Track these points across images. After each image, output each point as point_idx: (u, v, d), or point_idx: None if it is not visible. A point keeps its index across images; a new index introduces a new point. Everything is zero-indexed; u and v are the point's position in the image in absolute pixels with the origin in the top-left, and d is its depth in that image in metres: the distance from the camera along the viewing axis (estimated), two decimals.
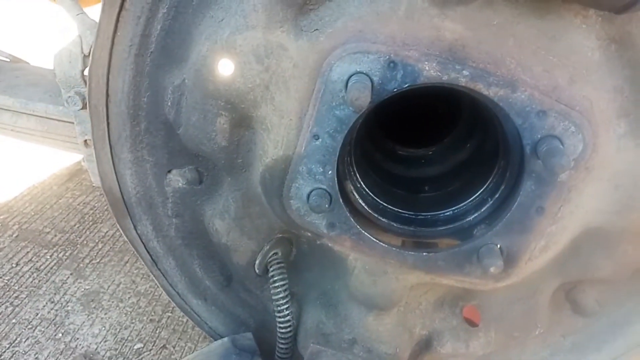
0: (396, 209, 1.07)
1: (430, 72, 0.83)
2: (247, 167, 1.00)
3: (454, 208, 1.05)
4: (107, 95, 0.94)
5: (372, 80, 0.84)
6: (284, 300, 1.03)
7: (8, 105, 1.40)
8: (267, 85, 0.89)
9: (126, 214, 1.07)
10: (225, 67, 0.87)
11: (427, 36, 0.83)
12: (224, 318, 1.20)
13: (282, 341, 1.08)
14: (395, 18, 0.83)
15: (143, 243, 1.11)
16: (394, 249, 0.97)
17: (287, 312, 1.03)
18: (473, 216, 1.01)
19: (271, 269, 1.04)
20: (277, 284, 1.03)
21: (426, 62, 0.82)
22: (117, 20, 0.89)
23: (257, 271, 1.07)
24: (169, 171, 1.03)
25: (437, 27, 0.82)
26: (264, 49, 0.86)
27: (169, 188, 1.05)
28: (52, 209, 2.69)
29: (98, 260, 2.41)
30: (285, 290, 1.04)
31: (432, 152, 1.26)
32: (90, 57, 0.90)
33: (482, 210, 1.00)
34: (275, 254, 1.05)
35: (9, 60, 1.68)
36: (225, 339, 1.08)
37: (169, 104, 0.94)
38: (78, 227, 2.56)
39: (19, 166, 2.92)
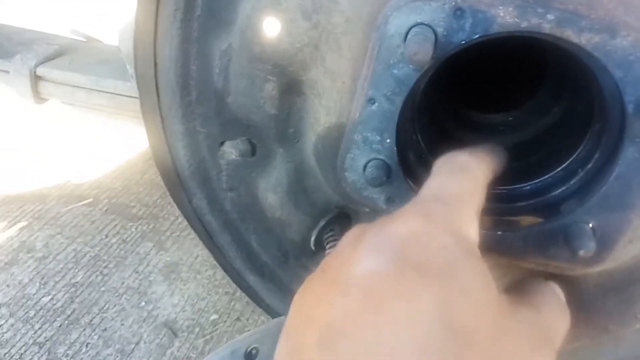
0: None
1: (505, 18, 0.69)
2: (299, 138, 0.93)
3: (536, 181, 0.91)
4: (155, 64, 0.91)
5: (435, 32, 0.72)
6: None
7: (82, 83, 1.46)
8: (317, 44, 0.80)
9: (180, 187, 1.06)
10: (270, 27, 0.80)
11: None
12: (282, 295, 1.16)
13: None
14: None
15: (198, 217, 1.09)
16: None
17: None
18: (560, 190, 0.86)
19: (328, 246, 0.97)
20: None
21: (500, 7, 0.69)
22: None
23: (312, 248, 1.01)
24: (222, 143, 0.99)
25: None
26: (311, 3, 0.77)
27: (223, 160, 1.01)
28: (137, 184, 2.85)
29: (178, 234, 2.52)
30: None
31: (512, 117, 1.10)
32: (135, 25, 0.87)
33: (571, 183, 0.85)
34: (332, 230, 0.98)
35: (84, 40, 1.75)
36: (282, 317, 1.03)
37: (217, 70, 0.89)
38: (160, 201, 2.69)
39: (108, 144, 3.11)
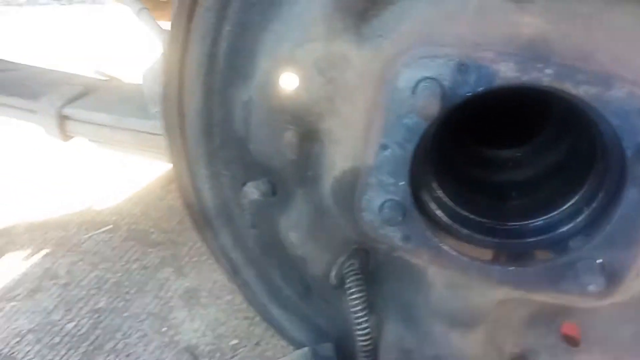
0: (479, 219, 0.99)
1: (507, 72, 0.75)
2: (317, 180, 0.98)
3: (545, 217, 0.95)
4: (181, 115, 0.98)
5: (442, 86, 0.77)
6: (363, 313, 1.01)
7: (106, 121, 1.53)
8: (332, 97, 0.86)
9: (206, 226, 1.12)
10: (288, 82, 0.86)
11: (502, 33, 0.75)
12: (305, 328, 1.21)
13: (363, 354, 1.05)
14: (465, 17, 0.76)
15: (224, 254, 1.15)
16: (477, 262, 0.91)
17: (366, 324, 1.01)
18: (567, 227, 0.90)
19: (348, 280, 1.02)
20: (354, 296, 1.01)
21: (502, 62, 0.74)
22: (185, 42, 0.91)
23: (333, 282, 1.06)
24: (244, 184, 1.05)
25: (514, 22, 0.74)
26: (326, 60, 0.83)
27: (245, 200, 1.07)
28: (156, 210, 2.90)
29: (196, 259, 2.55)
30: (363, 302, 1.01)
31: (520, 153, 1.15)
32: (161, 81, 0.94)
33: (578, 220, 0.89)
34: (352, 264, 1.03)
35: (106, 79, 1.83)
36: (306, 348, 1.08)
37: (239, 119, 0.96)
38: (178, 227, 2.73)
39: (127, 171, 3.18)
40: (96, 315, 2.25)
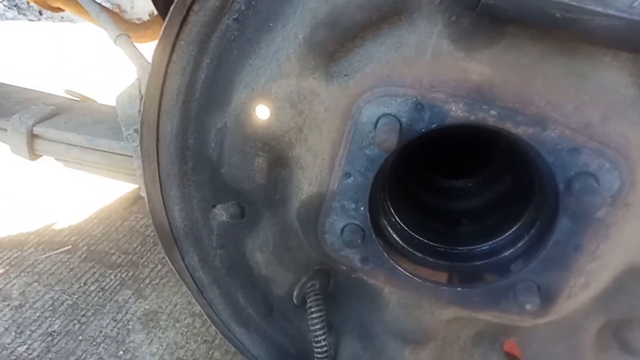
0: (432, 243, 1.07)
1: (457, 112, 0.85)
2: (284, 203, 1.05)
3: (490, 242, 1.04)
4: (157, 138, 1.03)
5: (400, 122, 0.87)
6: (321, 331, 1.06)
7: (76, 141, 1.55)
8: (301, 127, 0.94)
9: (174, 246, 1.16)
10: (261, 112, 0.93)
11: (453, 78, 0.85)
12: (266, 346, 1.25)
13: None
14: (422, 62, 0.86)
15: (190, 273, 1.19)
16: (428, 283, 0.99)
17: (325, 342, 1.06)
18: (509, 251, 1.00)
19: (309, 299, 1.07)
20: (314, 315, 1.06)
21: (453, 103, 0.84)
22: (166, 72, 0.98)
23: (295, 302, 1.11)
24: (214, 206, 1.10)
25: (464, 69, 0.84)
26: (297, 94, 0.91)
27: (214, 221, 1.12)
28: (117, 231, 2.87)
29: (157, 281, 2.53)
30: (322, 321, 1.07)
31: (472, 184, 1.26)
32: (142, 106, 0.99)
33: (518, 246, 0.99)
34: (313, 285, 1.09)
35: (79, 99, 1.85)
36: None
37: (213, 145, 1.02)
38: (140, 248, 2.71)
39: (89, 191, 3.14)
40: (49, 339, 2.20)
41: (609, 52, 0.80)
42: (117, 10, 2.62)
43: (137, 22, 2.58)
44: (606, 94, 0.82)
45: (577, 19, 0.67)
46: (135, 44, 1.45)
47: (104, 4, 2.58)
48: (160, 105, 1.00)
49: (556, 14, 0.67)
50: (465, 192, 1.25)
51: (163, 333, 2.26)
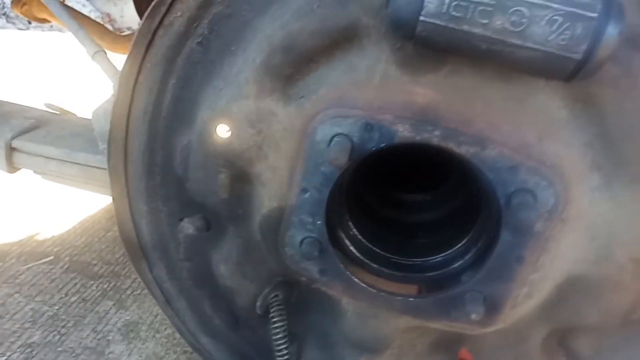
0: (388, 255, 1.13)
1: (404, 132, 0.90)
2: (247, 217, 1.10)
3: (443, 254, 1.10)
4: (125, 155, 1.08)
5: (352, 141, 0.92)
6: (283, 340, 1.11)
7: (54, 154, 1.59)
8: (261, 145, 0.99)
9: (142, 258, 1.20)
10: (222, 131, 0.98)
11: (400, 101, 0.91)
12: (232, 356, 1.29)
13: None
14: (371, 85, 0.92)
15: (158, 285, 1.23)
16: (382, 294, 1.04)
17: (286, 352, 1.11)
18: (459, 263, 1.06)
19: (271, 310, 1.12)
20: (276, 325, 1.11)
21: (400, 124, 0.90)
22: (133, 92, 1.03)
23: (258, 312, 1.16)
24: (181, 219, 1.15)
25: (410, 92, 0.90)
26: (256, 115, 0.97)
27: (181, 234, 1.17)
28: (100, 242, 2.88)
29: (139, 292, 2.54)
30: (284, 331, 1.11)
31: (429, 198, 1.31)
32: (110, 125, 1.04)
33: (467, 257, 1.05)
34: (276, 296, 1.13)
35: (58, 113, 1.89)
36: None
37: (178, 161, 1.07)
38: (122, 259, 2.72)
39: (72, 201, 3.16)
40: (28, 350, 2.20)
41: (541, 79, 0.86)
42: (106, 20, 2.66)
43: (127, 31, 2.63)
44: (541, 116, 0.89)
45: (501, 50, 0.73)
46: (124, 54, 1.49)
47: (93, 13, 2.62)
48: (128, 124, 1.06)
49: (482, 46, 0.73)
50: (422, 206, 1.31)
51: (143, 344, 2.26)
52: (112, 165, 1.09)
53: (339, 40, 0.91)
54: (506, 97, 0.89)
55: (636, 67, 0.84)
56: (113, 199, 1.12)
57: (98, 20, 2.62)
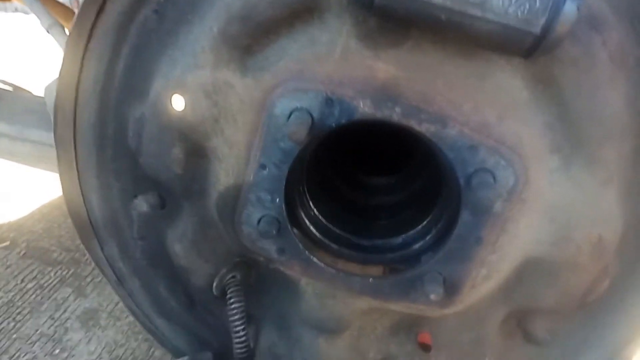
0: (348, 235, 1.11)
1: (364, 108, 0.88)
2: (203, 194, 1.06)
3: (403, 235, 1.09)
4: (75, 126, 1.03)
5: (312, 116, 0.90)
6: (240, 322, 1.08)
7: (5, 131, 1.52)
8: (217, 118, 0.96)
9: (93, 236, 1.15)
10: (176, 102, 0.94)
11: (361, 76, 0.88)
12: (188, 338, 1.26)
13: None
14: (332, 59, 0.89)
15: (109, 264, 1.18)
16: (341, 274, 1.02)
17: (243, 333, 1.08)
18: (419, 244, 1.05)
19: (229, 291, 1.09)
20: (233, 306, 1.08)
21: (360, 100, 0.88)
22: (82, 59, 0.98)
23: (215, 293, 1.12)
24: (135, 196, 1.10)
25: (371, 67, 0.88)
26: (212, 86, 0.93)
27: (135, 212, 1.12)
28: (59, 227, 2.80)
29: (99, 279, 2.47)
30: (241, 312, 1.08)
31: (393, 180, 1.30)
32: (55, 92, 0.99)
33: (427, 238, 1.04)
34: (233, 277, 1.10)
35: (11, 89, 1.81)
36: (185, 357, 1.12)
37: (131, 134, 1.02)
38: (82, 246, 2.63)
39: (31, 185, 3.06)
40: None
41: (503, 56, 0.85)
42: (75, 4, 2.57)
43: None
44: (502, 95, 0.88)
45: (461, 22, 0.72)
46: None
47: None
48: (77, 93, 1.00)
49: (441, 16, 0.71)
50: (385, 188, 1.30)
51: (103, 331, 2.21)
52: (58, 136, 1.03)
53: (299, 12, 0.88)
54: (467, 75, 0.88)
55: (595, 48, 0.84)
56: (59, 172, 1.07)
57: (67, 5, 2.53)
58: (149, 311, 1.24)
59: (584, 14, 0.75)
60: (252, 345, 1.13)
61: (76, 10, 2.44)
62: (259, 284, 1.14)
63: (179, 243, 1.12)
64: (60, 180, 1.07)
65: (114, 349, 2.14)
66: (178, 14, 0.94)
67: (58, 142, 1.03)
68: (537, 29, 0.70)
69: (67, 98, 1.01)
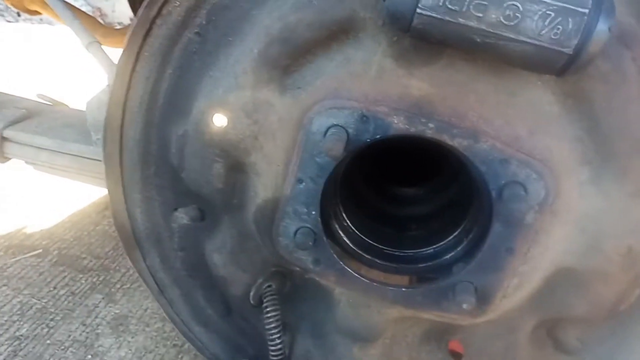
0: (380, 246, 1.14)
1: (399, 125, 0.92)
2: (242, 207, 1.11)
3: (435, 246, 1.12)
4: (121, 143, 1.09)
5: (347, 132, 0.93)
6: (276, 330, 1.12)
7: (46, 145, 1.58)
8: (256, 136, 1.00)
9: (136, 247, 1.20)
10: (219, 121, 0.99)
11: (395, 93, 0.92)
12: (224, 345, 1.30)
13: None
14: (367, 78, 0.93)
15: (151, 274, 1.23)
16: (375, 284, 1.05)
17: (279, 341, 1.12)
18: (450, 254, 1.08)
19: (265, 300, 1.13)
20: (269, 315, 1.12)
21: (395, 116, 0.92)
22: (130, 81, 1.03)
23: (252, 302, 1.16)
24: (175, 209, 1.15)
25: (405, 85, 0.92)
26: (253, 105, 0.98)
27: (175, 224, 1.17)
28: (89, 235, 2.86)
29: (129, 286, 2.52)
30: (277, 321, 1.12)
31: (422, 192, 1.33)
32: (106, 112, 1.04)
33: (459, 249, 1.07)
34: (270, 286, 1.14)
35: (50, 104, 1.88)
36: None
37: (174, 151, 1.07)
38: (112, 253, 2.70)
39: (62, 194, 3.13)
40: (16, 343, 2.18)
41: (533, 73, 0.88)
42: (97, 14, 2.64)
43: (118, 26, 2.61)
44: (533, 110, 0.91)
45: (495, 43, 0.75)
46: (115, 47, 1.49)
47: (84, 7, 2.60)
48: (124, 112, 1.06)
49: (477, 38, 0.75)
50: (415, 199, 1.33)
51: (132, 337, 2.25)
52: (107, 153, 1.09)
53: (335, 33, 0.92)
54: (499, 91, 0.91)
55: (625, 63, 0.86)
56: (107, 187, 1.12)
57: (90, 14, 2.60)
58: (187, 319, 1.28)
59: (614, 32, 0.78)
60: (287, 352, 1.17)
61: (99, 20, 2.52)
62: (294, 293, 1.18)
63: (217, 254, 1.16)
64: (109, 194, 1.13)
65: (144, 355, 2.17)
66: (219, 36, 0.99)
67: (106, 159, 1.09)
68: (570, 50, 0.73)
69: (115, 117, 1.07)
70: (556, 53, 0.74)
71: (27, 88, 2.43)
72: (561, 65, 0.75)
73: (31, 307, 2.36)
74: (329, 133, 0.93)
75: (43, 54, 5.13)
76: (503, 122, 0.91)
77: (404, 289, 1.04)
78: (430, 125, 0.91)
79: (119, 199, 1.15)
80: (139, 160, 1.11)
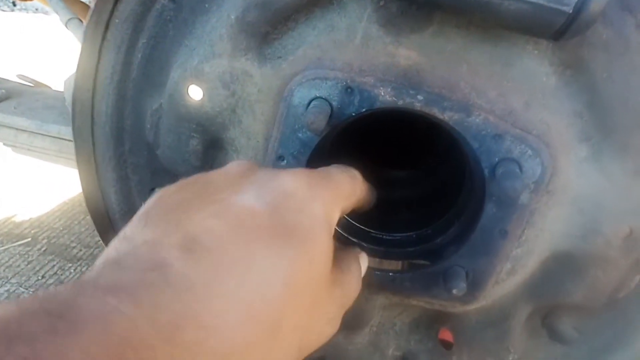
0: (367, 229, 1.08)
1: (385, 97, 0.86)
2: None
3: (424, 229, 1.06)
4: (92, 118, 1.02)
5: (331, 105, 0.87)
6: None
7: (25, 126, 1.53)
8: (234, 108, 0.94)
9: (110, 229, 1.14)
10: (194, 93, 0.93)
11: (382, 63, 0.86)
12: None
13: None
14: (352, 46, 0.87)
15: None
16: None
17: None
18: (441, 238, 1.02)
19: None
20: None
21: (381, 88, 0.85)
22: (100, 50, 0.97)
23: None
24: (152, 189, 1.09)
25: (392, 54, 0.85)
26: (230, 75, 0.91)
27: None
28: (79, 224, 2.82)
29: None
30: None
31: (412, 174, 1.27)
32: (74, 84, 0.98)
33: (449, 232, 1.01)
34: None
35: (32, 85, 1.83)
36: None
37: (149, 126, 1.01)
38: (102, 242, 2.66)
39: (51, 183, 3.09)
40: None
41: (530, 41, 0.82)
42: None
43: None
44: (529, 82, 0.85)
45: (488, 2, 0.69)
46: None
47: None
48: (95, 84, 1.00)
49: None
50: (405, 181, 1.27)
51: None
52: (76, 127, 1.03)
53: None
54: (493, 61, 0.85)
55: (628, 30, 0.80)
56: (77, 165, 1.06)
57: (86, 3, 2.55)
58: None
59: None
60: None
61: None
62: None
63: None
64: (79, 173, 1.07)
65: None
66: (195, 2, 0.93)
67: (76, 135, 1.03)
68: (569, 8, 0.67)
69: (84, 89, 1.00)
70: (554, 12, 0.68)
71: (8, 71, 2.38)
72: (559, 27, 0.69)
73: (19, 296, 2.33)
74: (311, 106, 0.87)
75: (31, 43, 5.08)
76: (497, 94, 0.85)
77: (391, 274, 0.98)
78: (419, 97, 0.85)
79: (91, 178, 1.09)
80: (112, 136, 1.04)
